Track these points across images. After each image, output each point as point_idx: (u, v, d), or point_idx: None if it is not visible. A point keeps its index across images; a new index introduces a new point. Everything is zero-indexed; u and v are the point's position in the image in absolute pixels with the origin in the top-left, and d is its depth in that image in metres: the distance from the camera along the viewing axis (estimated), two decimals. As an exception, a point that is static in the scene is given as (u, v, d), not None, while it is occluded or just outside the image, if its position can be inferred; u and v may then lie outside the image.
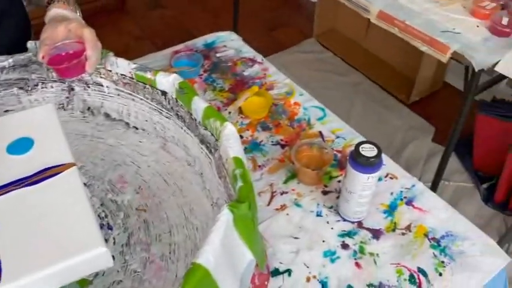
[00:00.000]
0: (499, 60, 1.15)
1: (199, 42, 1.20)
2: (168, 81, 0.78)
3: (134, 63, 0.81)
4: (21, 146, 0.65)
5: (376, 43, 2.35)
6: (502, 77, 1.26)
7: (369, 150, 0.68)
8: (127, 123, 0.92)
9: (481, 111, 1.66)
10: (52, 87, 0.89)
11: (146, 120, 0.89)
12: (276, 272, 0.71)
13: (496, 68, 1.16)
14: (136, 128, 0.91)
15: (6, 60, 0.83)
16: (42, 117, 0.71)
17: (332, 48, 2.48)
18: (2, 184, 0.60)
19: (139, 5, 2.88)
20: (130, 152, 0.87)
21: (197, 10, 2.85)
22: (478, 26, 1.24)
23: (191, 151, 0.84)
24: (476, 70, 1.15)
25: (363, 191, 0.71)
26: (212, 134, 0.73)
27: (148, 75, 0.79)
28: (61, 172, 0.62)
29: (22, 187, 0.60)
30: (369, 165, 0.68)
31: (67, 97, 0.91)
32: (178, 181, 0.83)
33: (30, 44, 0.83)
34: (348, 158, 0.71)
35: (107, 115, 0.92)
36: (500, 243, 1.49)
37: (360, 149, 0.68)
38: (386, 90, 2.22)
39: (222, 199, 0.73)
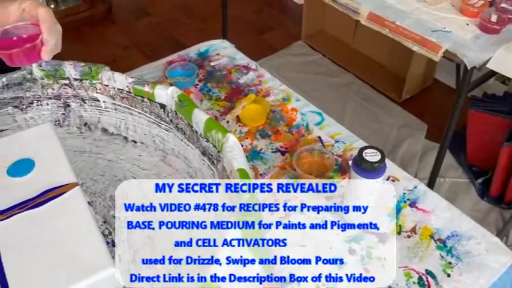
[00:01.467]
0: (491, 57, 1.16)
1: (192, 51, 1.19)
2: (166, 94, 0.78)
3: (131, 77, 0.80)
4: (22, 167, 0.64)
5: (365, 43, 2.37)
6: (492, 73, 1.27)
7: (372, 155, 0.68)
8: (125, 138, 0.91)
9: (472, 107, 1.67)
10: (48, 104, 0.88)
11: (145, 134, 0.88)
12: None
13: (488, 65, 1.17)
14: (135, 142, 0.90)
15: (0, 80, 0.82)
16: (41, 136, 0.70)
17: (321, 49, 2.48)
18: (4, 208, 0.59)
19: (126, 14, 2.86)
20: (130, 167, 0.86)
21: (183, 17, 2.84)
22: (467, 24, 1.26)
23: (192, 163, 0.83)
24: (468, 68, 1.16)
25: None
26: (214, 146, 0.73)
27: (146, 88, 0.79)
28: (65, 192, 0.61)
29: (25, 210, 0.59)
30: (373, 170, 0.68)
31: (63, 113, 0.90)
32: (180, 194, 0.82)
33: None
34: (351, 163, 0.71)
35: (105, 130, 0.91)
36: (498, 236, 1.50)
37: (364, 155, 0.68)
38: (377, 89, 2.23)
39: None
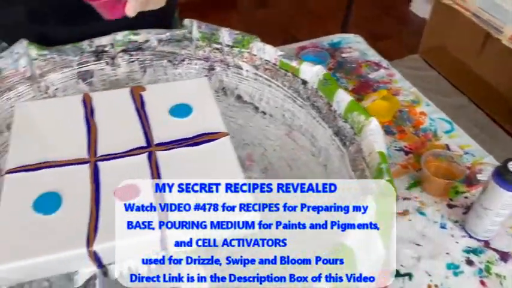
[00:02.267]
0: None
1: (325, 40, 1.22)
2: (311, 71, 0.81)
3: (281, 51, 0.84)
4: (182, 110, 0.71)
5: (488, 68, 2.23)
6: None
7: (518, 168, 0.65)
8: (256, 107, 0.96)
9: None
10: (196, 64, 0.95)
11: (276, 107, 0.92)
12: (396, 274, 0.70)
13: None
14: (264, 113, 0.95)
15: (165, 34, 0.90)
16: (198, 88, 0.76)
17: (437, 67, 2.39)
18: (167, 141, 0.66)
19: (247, 2, 2.99)
20: (257, 134, 0.91)
21: (300, 14, 2.90)
22: None
23: (318, 142, 0.86)
24: None
25: (502, 210, 0.69)
26: (352, 127, 0.74)
27: (294, 63, 0.83)
28: (216, 139, 0.67)
29: (183, 147, 0.65)
30: (517, 183, 0.65)
31: (206, 75, 0.97)
32: (301, 168, 0.85)
33: (187, 21, 0.90)
34: (491, 174, 0.69)
35: (239, 97, 0.97)
36: None
37: (509, 166, 0.66)
38: (492, 118, 2.10)
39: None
